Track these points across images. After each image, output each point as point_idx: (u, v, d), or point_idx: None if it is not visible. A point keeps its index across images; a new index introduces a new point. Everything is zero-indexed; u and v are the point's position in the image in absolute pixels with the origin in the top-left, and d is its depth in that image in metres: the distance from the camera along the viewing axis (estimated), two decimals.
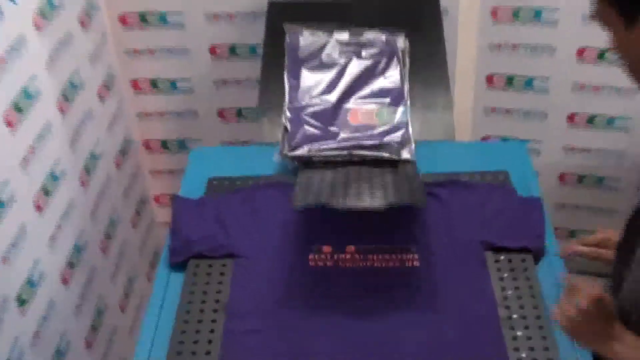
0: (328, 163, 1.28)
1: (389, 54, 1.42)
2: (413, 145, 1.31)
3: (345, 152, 1.29)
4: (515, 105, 1.81)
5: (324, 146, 1.30)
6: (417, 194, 1.15)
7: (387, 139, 1.30)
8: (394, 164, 1.27)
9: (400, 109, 1.35)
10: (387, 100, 1.37)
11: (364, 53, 1.43)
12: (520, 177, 1.31)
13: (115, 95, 1.71)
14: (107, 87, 1.66)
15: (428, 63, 1.46)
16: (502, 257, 1.15)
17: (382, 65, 1.41)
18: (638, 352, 0.90)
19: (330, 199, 1.13)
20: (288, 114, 1.35)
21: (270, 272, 1.14)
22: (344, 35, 1.44)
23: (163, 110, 1.90)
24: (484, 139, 1.88)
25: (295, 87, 1.39)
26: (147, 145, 1.97)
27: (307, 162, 1.30)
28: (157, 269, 1.20)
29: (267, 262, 1.16)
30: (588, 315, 0.90)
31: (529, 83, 1.77)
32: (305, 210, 1.20)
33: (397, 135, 1.31)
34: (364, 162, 1.28)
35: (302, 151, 1.30)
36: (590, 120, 1.77)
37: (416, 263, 1.14)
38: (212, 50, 1.79)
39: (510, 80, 1.78)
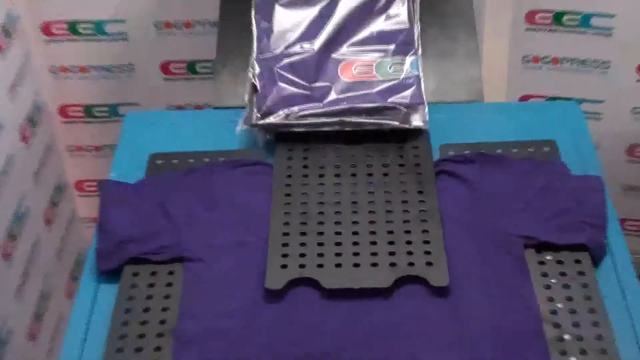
0: (314, 138, 1.28)
1: None
2: (427, 109, 1.31)
3: (335, 120, 1.30)
4: (566, 53, 1.82)
5: (306, 111, 1.30)
6: (436, 263, 1.14)
7: (391, 100, 1.31)
8: (400, 137, 1.28)
9: (409, 60, 1.36)
10: (391, 47, 1.37)
11: None
12: (573, 149, 1.32)
13: (18, 44, 1.70)
14: (7, 32, 1.65)
15: None
16: (549, 257, 1.16)
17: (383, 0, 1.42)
18: None
19: (316, 273, 1.13)
20: (257, 67, 1.35)
21: (231, 281, 1.14)
22: None
23: (86, 63, 1.90)
24: (524, 98, 1.89)
25: (266, 31, 1.39)
26: (64, 112, 1.96)
27: (283, 134, 1.31)
28: (80, 280, 1.20)
29: (227, 267, 1.16)
30: None
31: (585, 21, 1.77)
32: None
33: (405, 96, 1.31)
34: (360, 136, 1.29)
35: (277, 117, 1.30)
36: None
37: None
38: None
39: (559, 18, 1.78)
